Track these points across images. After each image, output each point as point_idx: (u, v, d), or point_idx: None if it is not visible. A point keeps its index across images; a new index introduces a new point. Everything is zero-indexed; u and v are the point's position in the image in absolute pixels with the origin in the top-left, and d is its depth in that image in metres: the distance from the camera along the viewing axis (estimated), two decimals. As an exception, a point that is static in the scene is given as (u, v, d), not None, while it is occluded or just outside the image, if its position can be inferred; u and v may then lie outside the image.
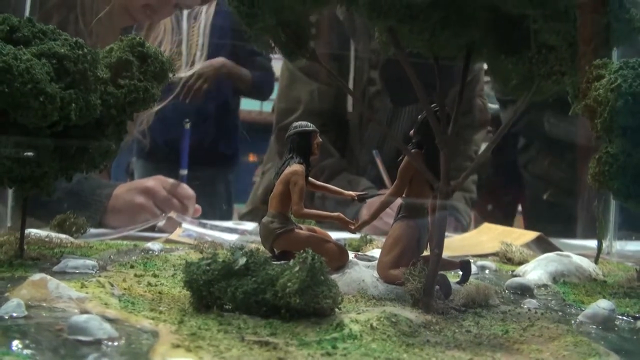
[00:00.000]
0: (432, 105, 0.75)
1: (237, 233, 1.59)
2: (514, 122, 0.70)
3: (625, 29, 0.64)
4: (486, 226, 1.62)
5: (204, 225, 1.59)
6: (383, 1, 0.62)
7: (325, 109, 2.15)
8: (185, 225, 1.51)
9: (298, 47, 0.71)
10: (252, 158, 4.27)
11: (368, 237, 1.17)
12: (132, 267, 0.88)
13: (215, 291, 0.63)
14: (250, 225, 1.89)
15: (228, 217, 2.67)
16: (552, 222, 2.57)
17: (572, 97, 0.96)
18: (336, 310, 0.65)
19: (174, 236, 1.32)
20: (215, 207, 2.69)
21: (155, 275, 0.83)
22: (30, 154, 0.83)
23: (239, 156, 3.02)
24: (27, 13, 1.23)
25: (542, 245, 1.41)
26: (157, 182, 1.73)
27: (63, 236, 1.07)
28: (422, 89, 0.71)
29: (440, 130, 0.71)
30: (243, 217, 2.37)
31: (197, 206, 1.79)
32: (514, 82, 0.67)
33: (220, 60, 2.60)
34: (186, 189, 1.77)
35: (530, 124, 2.45)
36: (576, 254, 1.13)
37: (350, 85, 2.10)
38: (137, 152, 2.75)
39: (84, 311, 0.61)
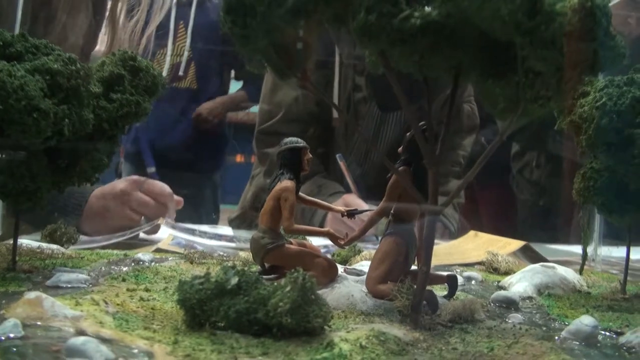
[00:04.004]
0: (421, 124, 0.76)
1: (223, 240, 1.59)
2: (500, 144, 0.71)
3: (611, 55, 0.66)
4: (472, 234, 1.64)
5: (192, 232, 1.60)
6: (374, 26, 0.63)
7: (309, 115, 2.16)
8: (174, 232, 1.52)
9: (289, 68, 0.72)
10: (239, 159, 4.27)
11: (357, 248, 1.18)
12: (123, 280, 0.89)
13: (208, 310, 0.64)
14: (229, 230, 1.91)
15: (215, 220, 2.70)
16: (545, 227, 2.60)
17: (558, 113, 0.98)
18: (326, 328, 0.66)
19: (163, 245, 1.33)
20: (201, 211, 2.71)
21: (147, 290, 0.84)
22: (22, 152, 0.85)
23: (224, 158, 3.04)
24: (17, 24, 1.24)
25: (528, 254, 1.44)
26: (128, 184, 1.68)
27: (54, 247, 1.08)
28: (412, 109, 0.72)
29: (429, 150, 0.73)
30: (233, 221, 2.38)
31: (178, 198, 1.76)
32: (501, 105, 0.68)
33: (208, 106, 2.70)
34: (160, 186, 1.73)
35: (525, 133, 2.48)
36: (562, 259, 1.14)
37: (336, 92, 2.11)
38: (124, 154, 2.78)
39: (80, 331, 0.62)
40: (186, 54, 2.59)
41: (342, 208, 0.94)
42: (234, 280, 0.65)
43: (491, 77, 0.68)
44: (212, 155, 2.88)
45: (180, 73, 2.62)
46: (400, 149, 0.85)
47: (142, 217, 1.65)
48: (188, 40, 2.60)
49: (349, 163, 2.15)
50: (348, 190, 2.03)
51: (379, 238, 1.62)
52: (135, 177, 1.76)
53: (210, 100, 2.76)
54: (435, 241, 0.79)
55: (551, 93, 0.65)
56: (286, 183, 0.85)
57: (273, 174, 0.88)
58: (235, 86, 2.99)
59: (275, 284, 0.65)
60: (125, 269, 0.98)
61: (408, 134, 0.84)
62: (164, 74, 2.35)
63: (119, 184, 1.70)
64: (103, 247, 1.30)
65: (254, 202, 2.31)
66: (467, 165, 2.31)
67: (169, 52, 2.56)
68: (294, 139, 0.88)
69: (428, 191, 0.74)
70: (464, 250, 1.48)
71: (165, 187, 1.73)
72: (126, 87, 0.93)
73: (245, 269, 0.68)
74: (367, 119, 2.17)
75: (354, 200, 1.88)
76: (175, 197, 1.74)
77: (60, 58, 0.85)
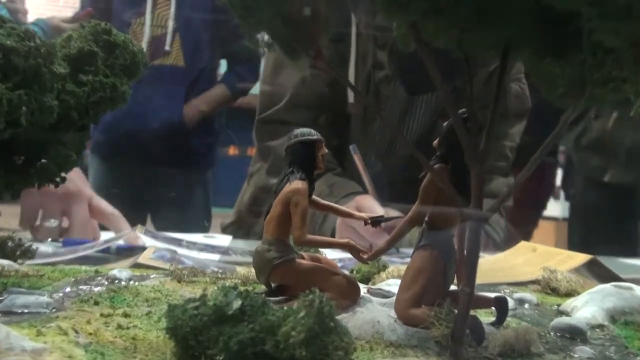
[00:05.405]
0: (461, 112, 0.76)
1: (217, 252, 1.60)
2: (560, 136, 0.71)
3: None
4: (523, 245, 1.63)
5: (178, 243, 1.61)
6: (403, -7, 0.64)
7: (319, 99, 2.15)
8: (156, 243, 1.53)
9: (301, 44, 0.73)
10: (233, 151, 4.29)
11: (381, 263, 1.18)
12: (96, 303, 0.90)
13: (204, 340, 0.65)
14: (223, 239, 1.92)
15: (207, 228, 2.70)
16: (613, 219, 2.50)
17: (635, 96, 0.98)
18: (348, 362, 0.67)
19: (143, 259, 1.33)
20: (190, 216, 2.72)
21: (126, 315, 0.84)
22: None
23: (216, 151, 3.04)
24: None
25: (596, 271, 1.42)
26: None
27: (5, 262, 1.08)
28: (449, 92, 0.73)
29: (471, 144, 0.73)
30: (227, 228, 2.38)
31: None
32: (561, 89, 0.68)
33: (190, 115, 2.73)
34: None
35: None
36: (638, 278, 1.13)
37: (352, 71, 2.10)
38: (92, 145, 2.77)
39: (44, 368, 0.62)
40: (171, 24, 2.60)
41: (364, 215, 0.94)
42: (237, 303, 0.65)
43: (549, 56, 0.68)
44: (203, 148, 2.89)
45: (167, 48, 2.64)
46: (435, 142, 0.86)
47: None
48: (172, 7, 2.61)
49: (367, 157, 2.14)
50: (364, 190, 2.02)
51: (400, 250, 1.63)
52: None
53: (190, 104, 2.79)
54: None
55: (626, 73, 0.65)
56: (297, 184, 0.85)
57: (281, 173, 0.88)
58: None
59: (286, 308, 0.66)
60: (97, 289, 0.99)
61: (446, 123, 0.84)
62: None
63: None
64: (68, 262, 1.31)
65: (252, 206, 2.31)
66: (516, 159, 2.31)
67: (147, 22, 2.57)
68: (306, 130, 0.89)
69: (470, 193, 0.75)
70: (514, 266, 1.48)
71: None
72: (99, 67, 0.94)
73: (249, 289, 0.69)
74: (391, 103, 2.17)
75: (369, 203, 1.87)
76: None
77: (14, 32, 0.85)
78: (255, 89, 2.68)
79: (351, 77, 2.10)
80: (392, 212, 1.74)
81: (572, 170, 2.87)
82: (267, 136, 2.23)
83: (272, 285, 0.88)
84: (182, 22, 2.66)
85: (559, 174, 3.31)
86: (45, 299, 0.88)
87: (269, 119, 2.23)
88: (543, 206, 3.07)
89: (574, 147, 2.67)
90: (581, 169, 2.71)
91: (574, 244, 2.68)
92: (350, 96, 2.14)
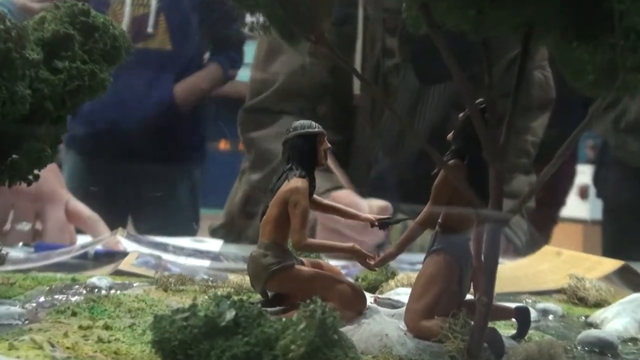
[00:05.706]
0: (479, 102, 0.76)
1: (207, 257, 1.60)
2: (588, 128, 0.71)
3: None
4: (547, 250, 1.63)
5: (164, 248, 1.61)
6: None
7: (319, 88, 2.14)
8: (139, 248, 1.53)
9: (301, 28, 0.73)
10: (223, 146, 4.28)
11: (390, 269, 1.18)
12: (74, 314, 0.90)
13: (194, 355, 0.65)
14: (213, 244, 1.92)
15: (195, 231, 2.69)
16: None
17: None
18: (353, 379, 0.67)
19: (125, 266, 1.34)
20: (177, 218, 2.71)
21: (107, 327, 0.85)
22: None
23: (206, 145, 3.03)
24: None
25: (628, 278, 1.42)
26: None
27: (-28, 270, 1.09)
28: (466, 80, 0.73)
29: (490, 137, 0.73)
30: (216, 231, 2.37)
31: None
32: (591, 76, 0.68)
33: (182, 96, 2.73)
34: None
35: None
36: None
37: (358, 58, 2.09)
38: (67, 139, 2.76)
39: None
40: (154, 2, 2.58)
41: (371, 216, 0.94)
42: (230, 314, 0.65)
43: (577, 40, 0.68)
44: (194, 139, 2.87)
45: (150, 30, 2.61)
46: (450, 135, 0.86)
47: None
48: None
49: (375, 153, 2.13)
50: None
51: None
52: None
53: (182, 84, 2.76)
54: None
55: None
56: (296, 182, 0.85)
57: (279, 170, 0.88)
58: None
59: (284, 319, 0.66)
60: (74, 298, 0.99)
61: (461, 115, 0.84)
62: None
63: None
64: (41, 269, 1.31)
65: (245, 206, 2.30)
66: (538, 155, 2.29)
67: (128, 1, 2.55)
68: (307, 122, 0.88)
69: (488, 192, 0.75)
70: (537, 273, 1.48)
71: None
72: (76, 52, 0.94)
73: (243, 298, 0.69)
74: (402, 94, 2.15)
75: (348, 198, 1.85)
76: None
77: (-21, 15, 0.86)
78: (247, 76, 2.66)
79: (357, 66, 2.08)
80: (374, 203, 1.74)
81: (605, 164, 2.82)
82: (251, 126, 2.20)
83: (269, 294, 0.88)
84: (167, 1, 2.64)
85: (589, 170, 3.27)
86: (17, 309, 0.88)
87: (254, 108, 2.21)
88: (561, 203, 3.05)
89: (612, 131, 2.60)
90: (619, 154, 2.65)
91: (608, 247, 2.65)
92: (356, 86, 2.12)
